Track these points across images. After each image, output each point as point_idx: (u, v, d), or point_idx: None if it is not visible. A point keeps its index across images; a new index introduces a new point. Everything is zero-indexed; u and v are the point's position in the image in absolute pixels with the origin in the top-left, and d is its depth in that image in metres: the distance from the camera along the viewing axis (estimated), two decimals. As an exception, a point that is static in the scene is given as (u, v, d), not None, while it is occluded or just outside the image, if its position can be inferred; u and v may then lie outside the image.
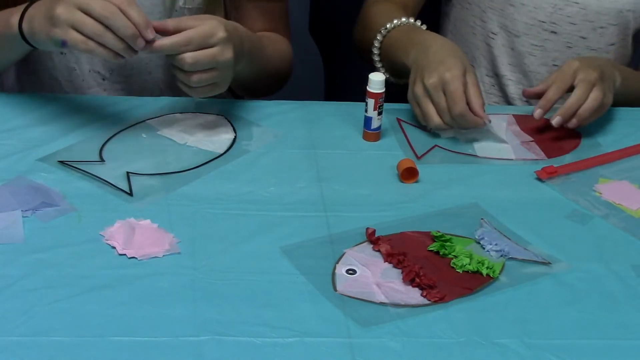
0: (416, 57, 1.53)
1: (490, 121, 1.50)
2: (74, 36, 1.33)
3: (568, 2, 1.73)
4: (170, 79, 1.63)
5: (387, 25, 1.63)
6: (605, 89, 1.53)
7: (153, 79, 1.64)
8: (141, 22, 1.33)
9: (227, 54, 1.41)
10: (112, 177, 1.37)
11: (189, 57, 1.38)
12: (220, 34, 1.40)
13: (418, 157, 1.48)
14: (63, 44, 1.34)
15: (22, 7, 1.42)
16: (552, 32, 1.75)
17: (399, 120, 1.57)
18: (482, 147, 1.52)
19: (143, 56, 1.57)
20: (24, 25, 1.40)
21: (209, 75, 1.41)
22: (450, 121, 1.48)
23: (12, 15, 1.42)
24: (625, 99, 1.63)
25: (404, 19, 1.63)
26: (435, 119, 1.48)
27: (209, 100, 1.56)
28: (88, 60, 1.61)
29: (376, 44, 1.64)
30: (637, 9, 1.75)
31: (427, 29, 1.64)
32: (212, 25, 1.40)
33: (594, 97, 1.51)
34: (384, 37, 1.64)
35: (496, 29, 1.78)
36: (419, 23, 1.64)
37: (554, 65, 1.76)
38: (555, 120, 1.51)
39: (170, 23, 1.39)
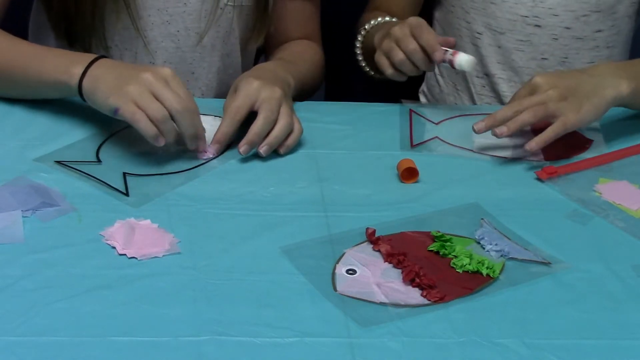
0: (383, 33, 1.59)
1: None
2: (129, 106, 1.35)
3: None
4: (211, 82, 1.65)
5: (366, 26, 1.69)
6: (568, 108, 1.46)
7: (195, 79, 1.64)
8: (201, 131, 1.41)
9: (276, 93, 1.44)
10: (110, 177, 1.37)
11: (264, 148, 1.44)
12: (264, 94, 1.43)
13: (412, 146, 1.49)
14: (115, 111, 1.37)
15: (84, 58, 1.43)
16: (536, 25, 1.75)
17: (411, 110, 1.59)
18: (481, 144, 1.52)
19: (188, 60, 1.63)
20: (86, 82, 1.41)
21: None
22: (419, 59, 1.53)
23: (74, 65, 1.43)
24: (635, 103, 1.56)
25: (379, 18, 1.69)
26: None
27: (209, 100, 1.56)
28: (140, 58, 1.60)
29: (357, 44, 1.70)
30: None
31: None
32: (246, 94, 1.44)
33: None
34: (364, 37, 1.69)
35: (481, 29, 1.78)
36: (394, 20, 1.69)
37: (543, 58, 1.76)
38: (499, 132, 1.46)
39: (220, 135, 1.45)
